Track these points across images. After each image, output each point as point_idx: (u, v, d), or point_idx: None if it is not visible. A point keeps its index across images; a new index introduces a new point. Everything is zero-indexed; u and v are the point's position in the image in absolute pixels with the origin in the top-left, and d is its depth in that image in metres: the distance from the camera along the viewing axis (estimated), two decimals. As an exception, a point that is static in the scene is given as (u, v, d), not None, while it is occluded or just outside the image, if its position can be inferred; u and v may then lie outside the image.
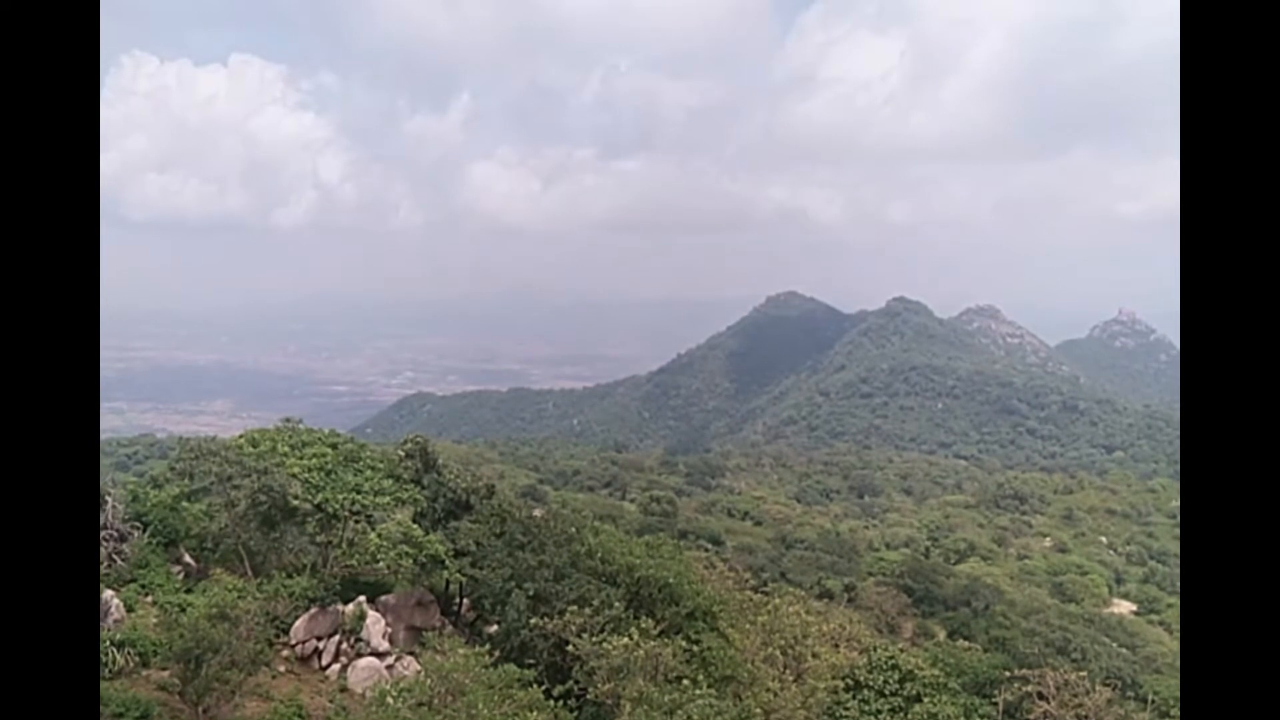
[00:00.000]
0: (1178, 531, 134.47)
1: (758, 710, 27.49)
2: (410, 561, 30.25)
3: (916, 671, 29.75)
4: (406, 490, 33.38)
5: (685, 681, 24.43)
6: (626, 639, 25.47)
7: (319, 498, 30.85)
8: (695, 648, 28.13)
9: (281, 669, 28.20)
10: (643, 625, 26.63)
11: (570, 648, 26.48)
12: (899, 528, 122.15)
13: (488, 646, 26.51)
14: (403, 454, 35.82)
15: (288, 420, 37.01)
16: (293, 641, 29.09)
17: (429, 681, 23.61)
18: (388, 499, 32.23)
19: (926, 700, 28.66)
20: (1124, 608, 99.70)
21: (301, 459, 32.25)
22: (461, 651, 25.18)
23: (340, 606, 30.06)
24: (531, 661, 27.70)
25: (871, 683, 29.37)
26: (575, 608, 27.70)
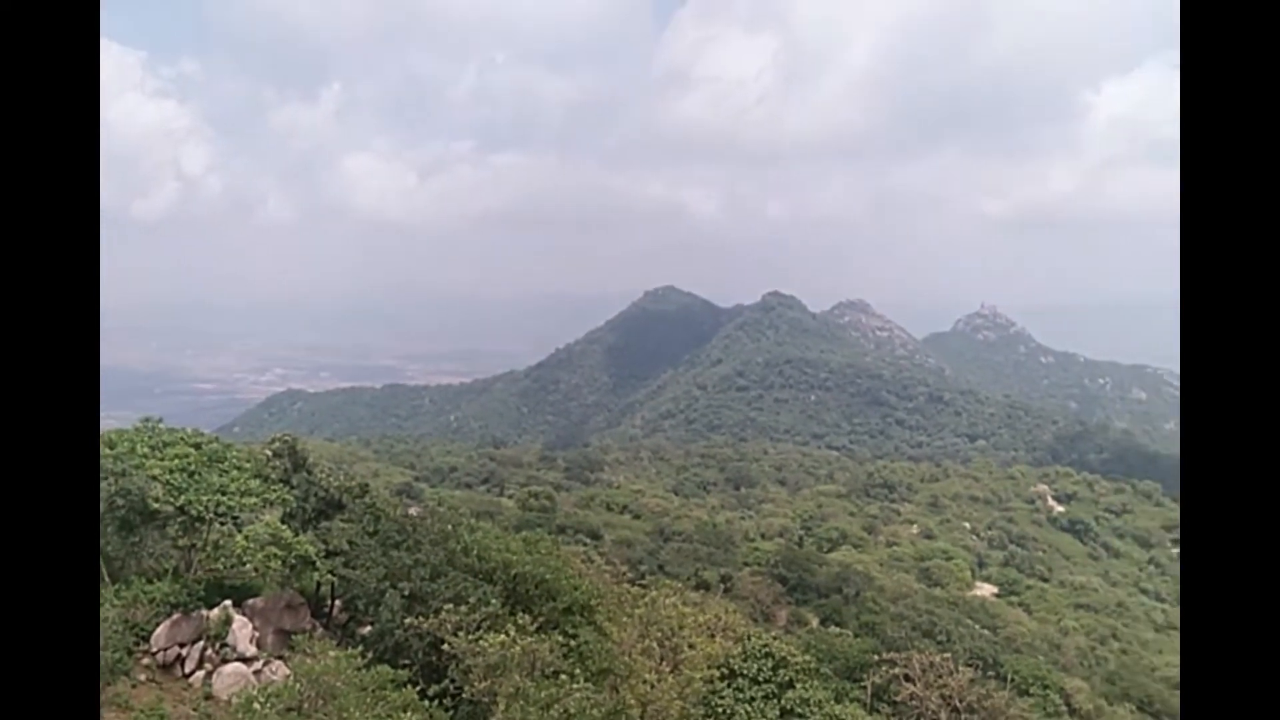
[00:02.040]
0: (1035, 515, 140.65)
1: (634, 702, 27.68)
2: (279, 563, 29.39)
3: (789, 658, 30.40)
4: (275, 490, 32.42)
5: (562, 676, 24.44)
6: (503, 636, 25.31)
7: (181, 500, 29.70)
8: (572, 642, 28.14)
9: (142, 678, 27.09)
10: (519, 621, 26.50)
11: (446, 646, 26.17)
12: (774, 518, 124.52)
13: (361, 648, 26.00)
14: (271, 453, 34.78)
15: (147, 420, 35.48)
16: (154, 649, 27.98)
17: (298, 686, 23.03)
18: (255, 500, 31.24)
19: (799, 686, 29.33)
20: (986, 590, 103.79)
21: (162, 460, 30.98)
22: (333, 654, 24.64)
23: (205, 612, 29.04)
24: (406, 662, 27.28)
25: (746, 671, 29.89)
26: (451, 606, 27.38)
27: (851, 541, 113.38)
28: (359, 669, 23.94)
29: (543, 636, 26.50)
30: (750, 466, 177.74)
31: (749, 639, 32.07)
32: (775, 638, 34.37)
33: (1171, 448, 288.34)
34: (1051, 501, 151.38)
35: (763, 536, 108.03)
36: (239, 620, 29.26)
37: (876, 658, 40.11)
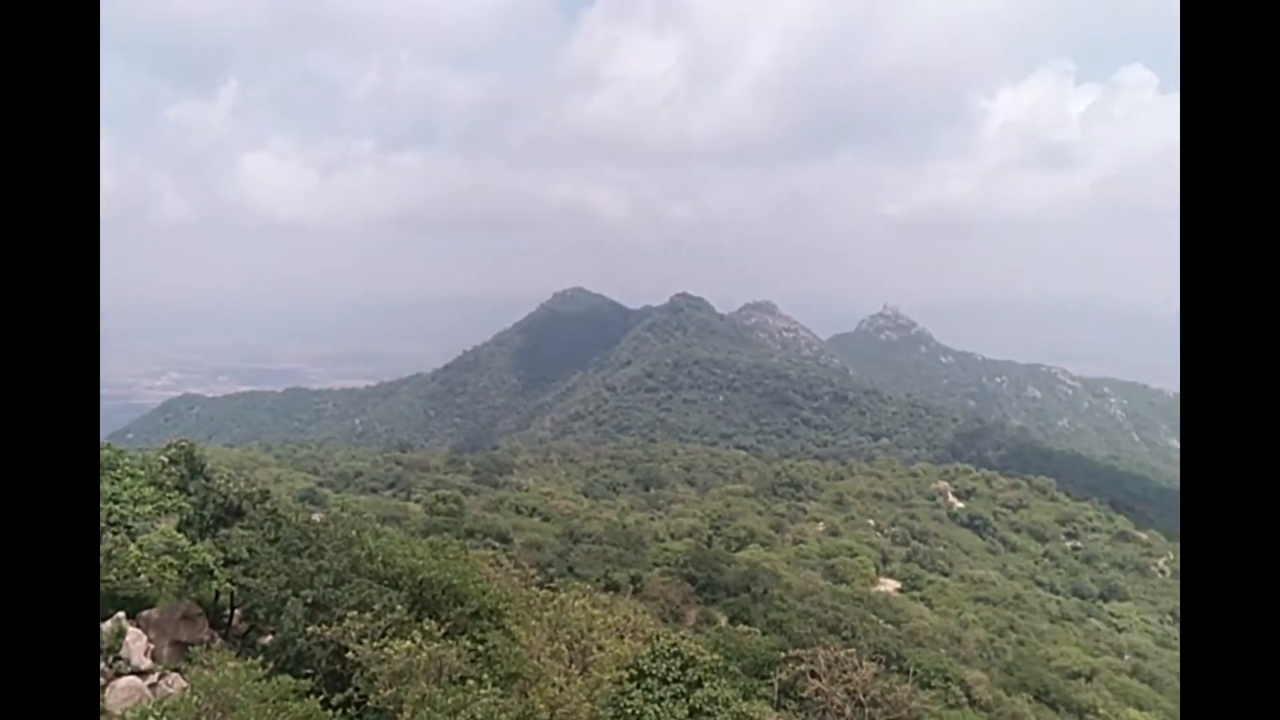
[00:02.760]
0: (936, 511, 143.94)
1: (543, 705, 27.53)
2: (175, 573, 28.48)
3: (698, 657, 30.58)
4: (171, 498, 31.41)
5: (470, 681, 24.18)
6: (409, 642, 24.92)
7: (70, 509, 28.58)
8: (480, 647, 27.85)
9: (28, 696, 26.01)
10: (426, 628, 26.12)
11: (350, 654, 25.65)
12: (683, 518, 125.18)
13: (261, 658, 25.32)
14: (166, 459, 33.70)
15: (34, 427, 34.08)
16: (41, 666, 26.87)
17: (196, 699, 22.32)
18: (149, 508, 30.23)
19: (707, 685, 29.52)
20: (890, 586, 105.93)
21: (50, 468, 29.78)
22: (232, 665, 23.93)
23: (96, 625, 28.02)
24: (309, 671, 26.66)
25: (655, 671, 29.97)
26: (355, 613, 26.84)
27: (759, 540, 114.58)
28: (259, 680, 23.31)
29: (450, 642, 26.17)
30: (659, 467, 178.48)
31: (658, 639, 32.17)
32: (684, 637, 34.53)
33: (1063, 444, 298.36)
34: (952, 498, 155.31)
35: (672, 537, 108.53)
36: (133, 633, 28.25)
37: (783, 654, 40.61)
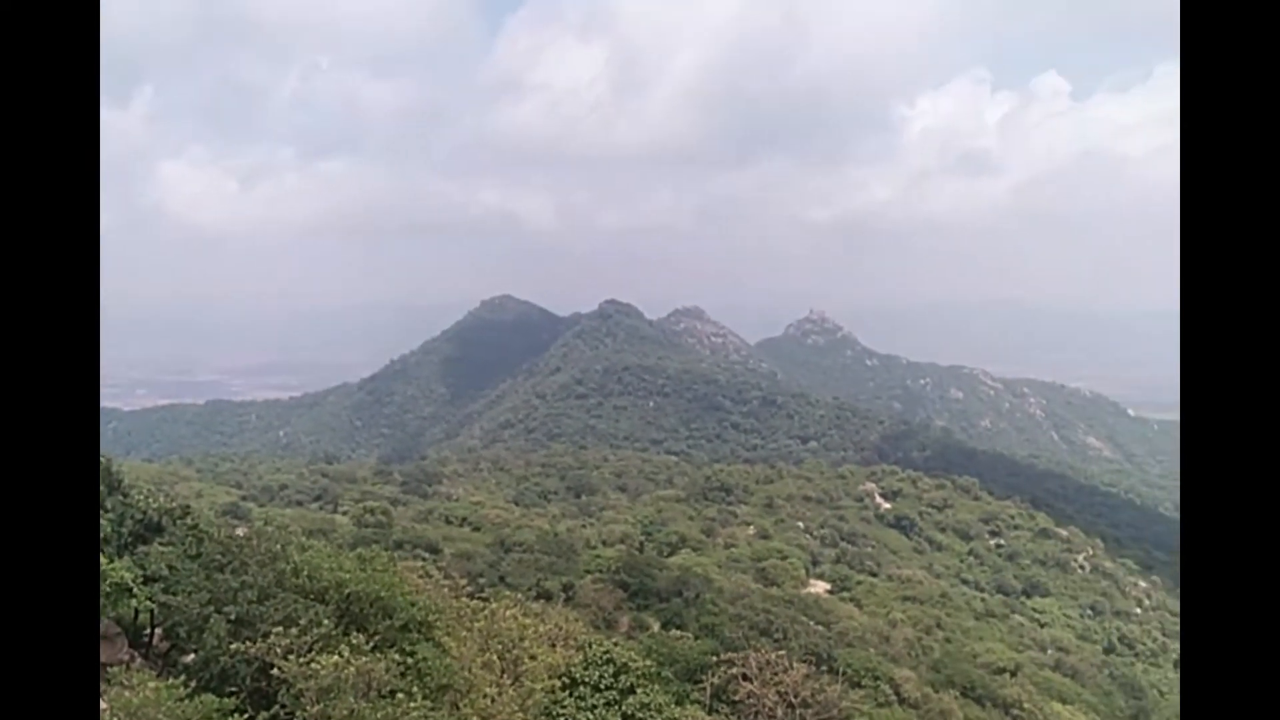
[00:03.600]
0: (864, 512, 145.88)
1: (474, 716, 27.29)
2: (92, 593, 27.64)
3: (630, 664, 30.58)
4: (86, 515, 30.49)
5: (399, 695, 23.86)
6: (336, 657, 24.48)
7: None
8: (410, 660, 27.49)
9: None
10: (354, 641, 25.69)
11: (275, 671, 25.12)
12: (614, 525, 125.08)
13: (184, 677, 24.66)
14: (81, 476, 32.68)
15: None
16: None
17: (115, 721, 21.70)
18: (64, 526, 29.31)
19: (640, 691, 29.53)
20: (820, 587, 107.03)
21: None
22: (153, 685, 23.28)
23: (8, 648, 27.05)
24: (233, 689, 26.05)
25: (587, 679, 29.89)
26: (281, 629, 26.28)
27: (691, 545, 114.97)
28: (181, 699, 22.72)
29: (378, 655, 25.79)
30: (591, 474, 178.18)
31: (590, 647, 32.10)
32: (616, 644, 34.52)
33: (986, 443, 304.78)
34: (879, 499, 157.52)
35: (604, 543, 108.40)
36: (47, 656, 27.38)
37: (715, 658, 40.80)
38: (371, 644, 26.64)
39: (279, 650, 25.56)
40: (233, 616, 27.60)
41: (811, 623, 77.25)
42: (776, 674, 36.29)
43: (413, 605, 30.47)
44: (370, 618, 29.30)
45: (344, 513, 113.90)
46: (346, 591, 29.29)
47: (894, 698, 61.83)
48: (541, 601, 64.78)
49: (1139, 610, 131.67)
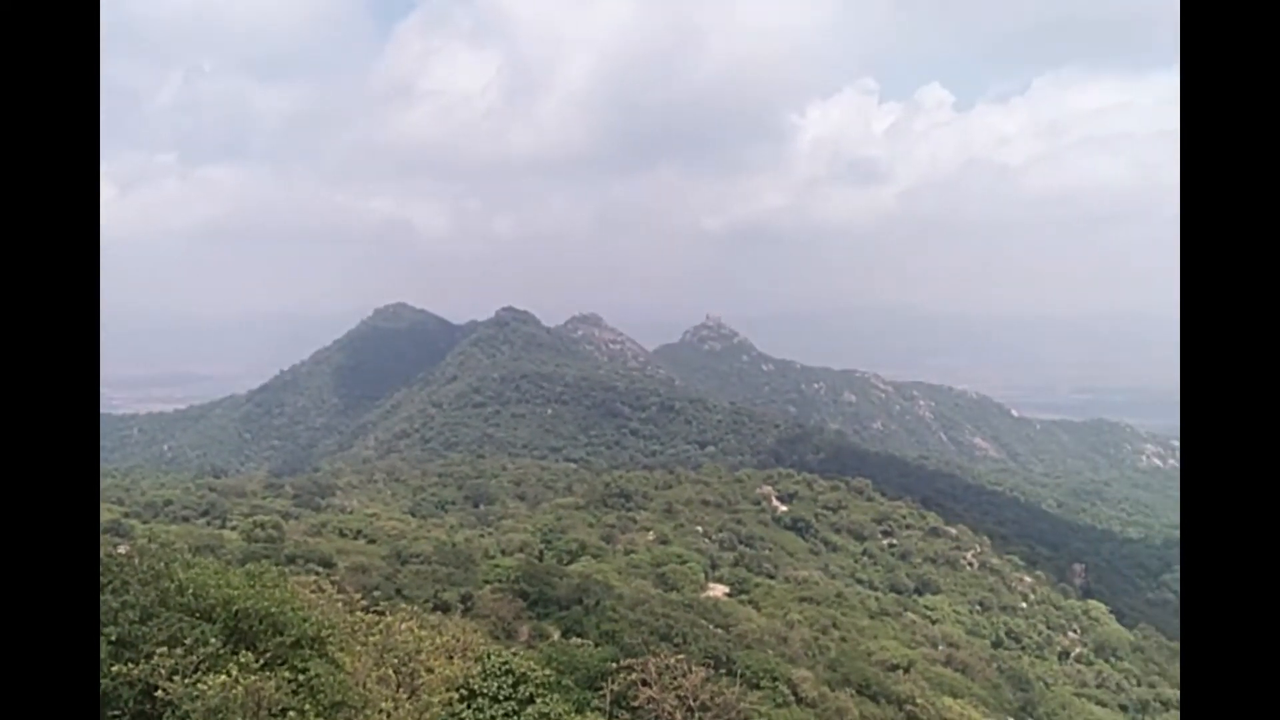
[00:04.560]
0: (761, 515, 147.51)
1: (370, 733, 26.70)
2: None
3: (529, 674, 30.30)
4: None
5: (291, 713, 23.25)
6: (224, 676, 23.70)
7: None
8: (302, 677, 26.76)
9: None
10: (243, 660, 24.90)
11: (160, 693, 24.18)
12: (514, 533, 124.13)
13: (59, 705, 23.58)
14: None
15: None
16: None
17: (-16, 753, 20.58)
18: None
19: (539, 701, 29.28)
20: (718, 591, 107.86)
21: None
22: (26, 714, 22.20)
23: None
24: (116, 713, 24.98)
25: (486, 690, 29.51)
26: (165, 649, 25.31)
27: (591, 552, 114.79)
28: (57, 728, 21.72)
29: (268, 674, 25.05)
30: (489, 483, 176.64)
31: (488, 657, 31.70)
32: (515, 654, 34.18)
33: (878, 445, 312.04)
34: (776, 502, 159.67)
35: (503, 553, 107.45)
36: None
37: (616, 665, 40.73)
38: (261, 662, 25.86)
39: (163, 671, 24.62)
40: (113, 638, 26.46)
41: (711, 626, 77.80)
42: (676, 678, 36.43)
43: (305, 621, 29.66)
44: (260, 635, 28.43)
45: (233, 528, 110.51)
46: (234, 609, 28.37)
47: (792, 698, 62.67)
48: (439, 613, 63.87)
49: (1024, 605, 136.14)
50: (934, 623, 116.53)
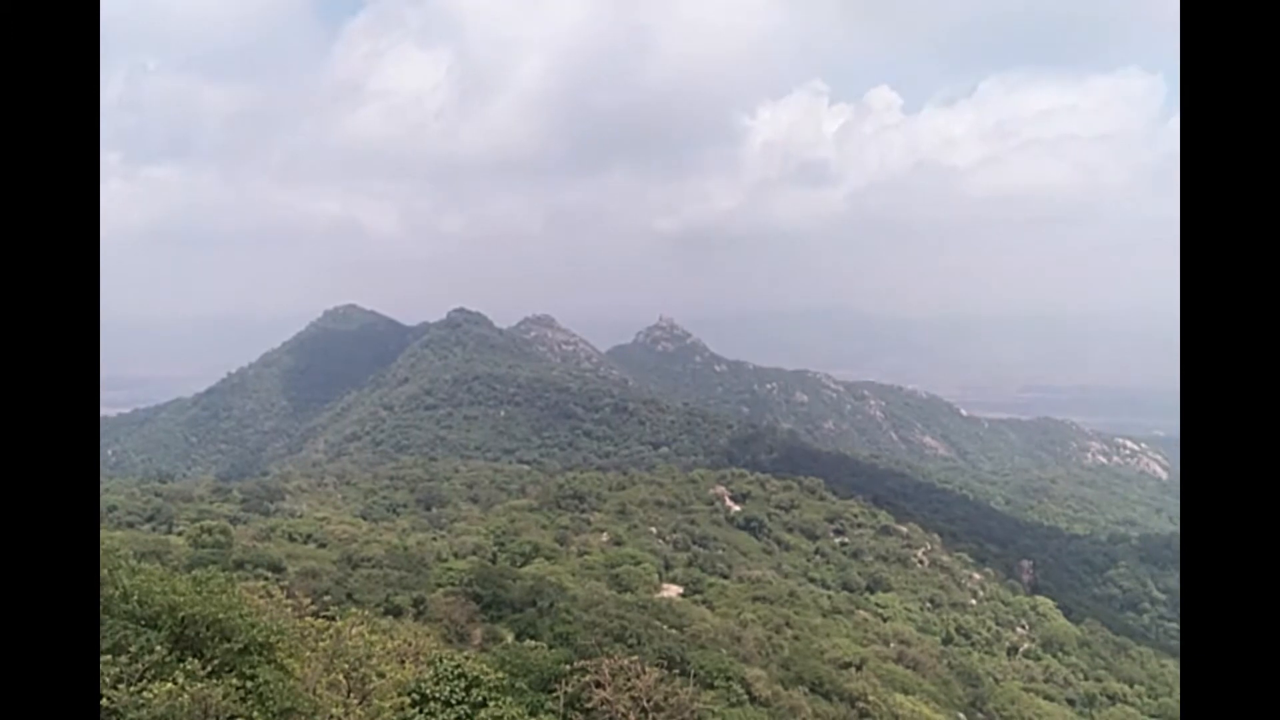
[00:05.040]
0: (715, 515, 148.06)
1: (320, 739, 26.37)
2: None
3: (482, 677, 30.10)
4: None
5: (239, 721, 22.86)
6: (170, 684, 23.31)
7: None
8: (250, 684, 26.37)
9: None
10: (189, 667, 24.50)
11: (105, 702, 23.70)
12: (467, 536, 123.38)
13: None
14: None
15: None
16: None
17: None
18: None
19: (492, 704, 29.10)
20: (672, 591, 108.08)
21: None
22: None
23: None
24: (56, 725, 24.46)
25: (438, 694, 29.27)
26: (110, 657, 24.84)
27: (544, 554, 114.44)
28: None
29: (216, 681, 24.67)
30: (441, 485, 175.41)
31: (441, 661, 31.44)
32: (468, 657, 33.93)
33: (830, 445, 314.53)
34: (729, 502, 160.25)
35: (456, 556, 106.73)
36: None
37: (569, 667, 40.61)
38: (208, 669, 25.46)
39: (107, 680, 24.15)
40: (54, 647, 25.97)
41: (665, 626, 77.88)
42: (630, 679, 36.39)
43: (253, 627, 29.23)
44: (207, 642, 27.97)
45: (179, 533, 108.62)
46: (180, 615, 27.89)
47: (745, 697, 62.91)
48: (391, 618, 63.34)
49: (974, 601, 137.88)
50: (885, 620, 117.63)
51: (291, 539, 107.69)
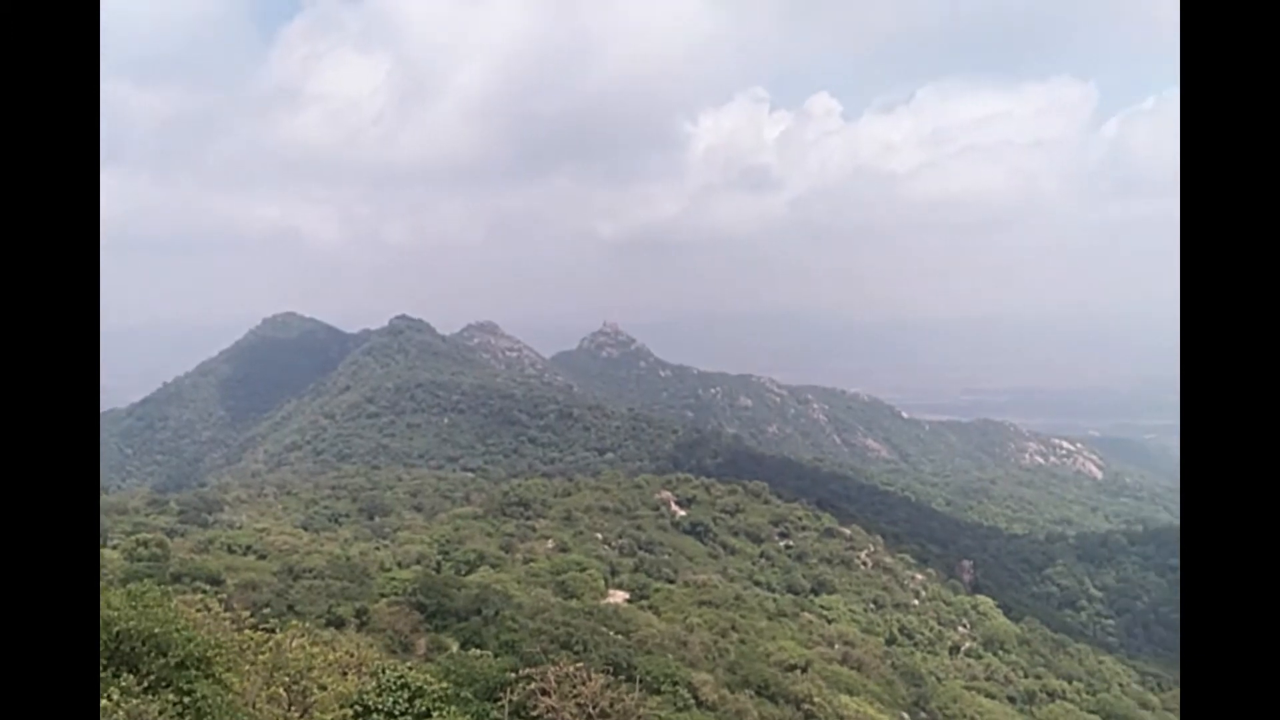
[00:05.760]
0: (661, 520, 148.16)
1: (260, 754, 25.90)
2: None
3: (426, 687, 29.78)
4: None
5: (176, 737, 22.37)
6: (105, 700, 22.74)
7: None
8: (187, 699, 25.85)
9: None
10: (124, 683, 23.96)
11: (33, 723, 23.06)
12: (410, 545, 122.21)
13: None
14: None
15: None
16: None
17: None
18: None
19: (436, 714, 28.80)
20: (619, 597, 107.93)
21: None
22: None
23: None
24: (-16, 746, 23.74)
25: (381, 706, 28.90)
26: (39, 676, 24.19)
27: (489, 562, 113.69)
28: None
29: (152, 697, 24.15)
30: (384, 494, 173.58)
31: (383, 672, 31.06)
32: (412, 667, 33.56)
33: (774, 448, 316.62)
34: (675, 506, 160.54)
35: (399, 565, 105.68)
36: None
37: (515, 675, 40.38)
38: (144, 685, 24.93)
39: (36, 700, 23.54)
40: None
41: (611, 633, 77.72)
42: (575, 686, 36.27)
43: (190, 641, 28.65)
44: (142, 657, 27.35)
45: (114, 546, 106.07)
46: (115, 630, 27.24)
47: (692, 701, 63.03)
48: (333, 629, 62.50)
49: (916, 602, 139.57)
50: (830, 622, 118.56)
51: (230, 551, 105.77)
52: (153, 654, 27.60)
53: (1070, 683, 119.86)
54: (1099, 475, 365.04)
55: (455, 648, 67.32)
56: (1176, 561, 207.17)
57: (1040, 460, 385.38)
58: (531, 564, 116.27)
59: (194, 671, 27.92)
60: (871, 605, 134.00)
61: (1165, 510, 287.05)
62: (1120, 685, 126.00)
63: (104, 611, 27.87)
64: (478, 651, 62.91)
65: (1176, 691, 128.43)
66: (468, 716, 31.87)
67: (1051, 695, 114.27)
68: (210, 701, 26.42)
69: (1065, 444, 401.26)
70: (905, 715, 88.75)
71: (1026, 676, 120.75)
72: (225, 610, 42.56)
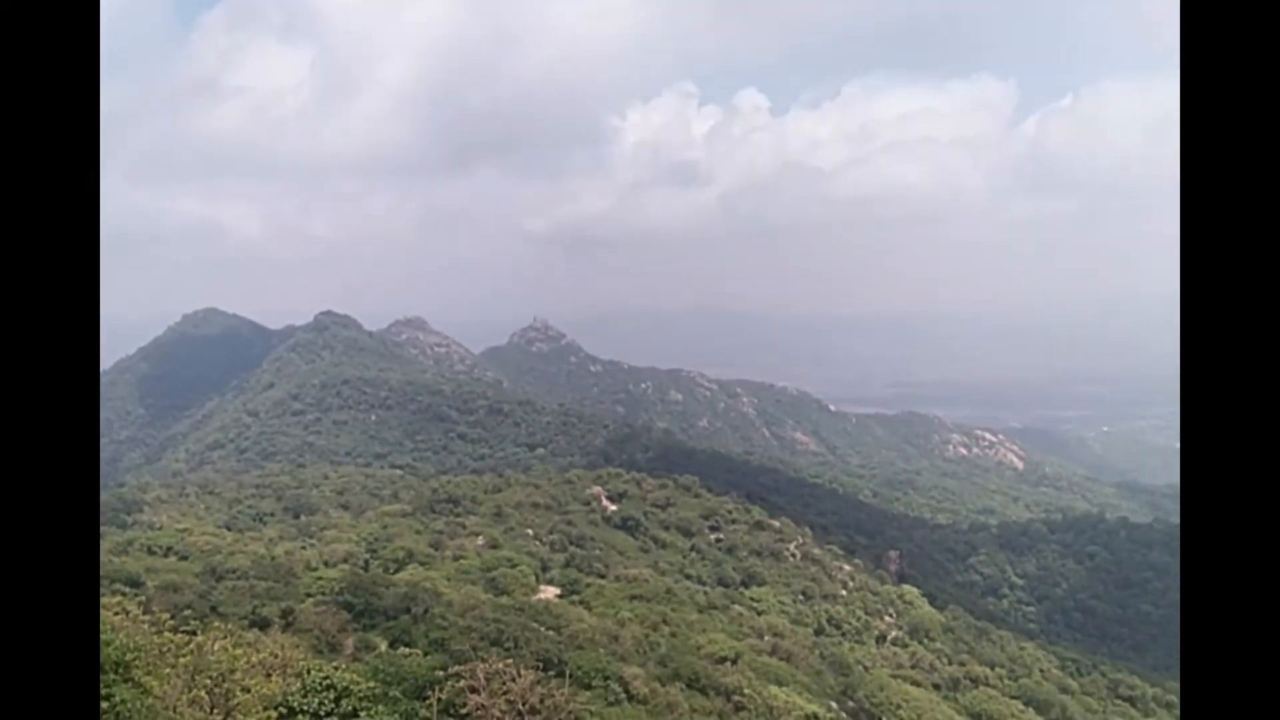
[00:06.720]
0: (592, 515, 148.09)
1: (181, 760, 25.32)
2: None
3: (353, 687, 29.40)
4: None
5: (91, 745, 21.68)
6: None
7: None
8: (105, 704, 25.15)
9: None
10: (36, 691, 23.17)
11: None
12: (337, 544, 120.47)
13: None
14: None
15: None
16: None
17: None
18: None
19: (363, 714, 28.45)
20: (550, 593, 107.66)
21: None
22: None
23: None
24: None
25: (306, 707, 28.44)
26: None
27: (419, 559, 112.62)
28: None
29: (66, 704, 23.40)
30: (310, 493, 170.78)
31: (309, 673, 30.57)
32: (339, 667, 33.10)
33: (704, 442, 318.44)
34: (606, 501, 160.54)
35: (326, 564, 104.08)
36: None
37: (444, 673, 40.04)
38: (57, 692, 24.22)
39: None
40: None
41: (542, 629, 77.48)
42: (505, 683, 36.06)
43: (109, 645, 27.91)
44: (55, 663, 26.58)
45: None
46: (26, 636, 26.43)
47: (623, 695, 63.08)
48: (257, 630, 61.35)
49: (844, 592, 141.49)
50: (760, 614, 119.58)
51: (150, 552, 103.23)
52: (67, 659, 26.86)
53: (993, 669, 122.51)
54: (1020, 466, 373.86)
55: (384, 647, 66.53)
56: (1093, 549, 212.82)
57: (964, 451, 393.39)
58: (461, 561, 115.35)
59: (112, 676, 27.19)
60: (800, 596, 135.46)
61: (1083, 499, 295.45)
62: (1041, 671, 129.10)
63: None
64: (406, 650, 62.22)
65: (1095, 676, 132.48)
66: (396, 715, 31.53)
67: (975, 682, 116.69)
68: (129, 706, 25.76)
69: (988, 435, 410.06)
70: (833, 704, 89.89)
71: (951, 664, 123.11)
72: (145, 613, 41.57)
